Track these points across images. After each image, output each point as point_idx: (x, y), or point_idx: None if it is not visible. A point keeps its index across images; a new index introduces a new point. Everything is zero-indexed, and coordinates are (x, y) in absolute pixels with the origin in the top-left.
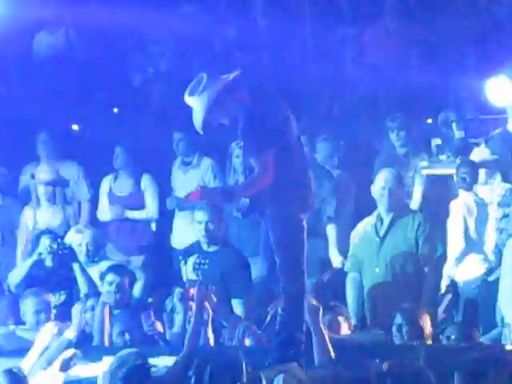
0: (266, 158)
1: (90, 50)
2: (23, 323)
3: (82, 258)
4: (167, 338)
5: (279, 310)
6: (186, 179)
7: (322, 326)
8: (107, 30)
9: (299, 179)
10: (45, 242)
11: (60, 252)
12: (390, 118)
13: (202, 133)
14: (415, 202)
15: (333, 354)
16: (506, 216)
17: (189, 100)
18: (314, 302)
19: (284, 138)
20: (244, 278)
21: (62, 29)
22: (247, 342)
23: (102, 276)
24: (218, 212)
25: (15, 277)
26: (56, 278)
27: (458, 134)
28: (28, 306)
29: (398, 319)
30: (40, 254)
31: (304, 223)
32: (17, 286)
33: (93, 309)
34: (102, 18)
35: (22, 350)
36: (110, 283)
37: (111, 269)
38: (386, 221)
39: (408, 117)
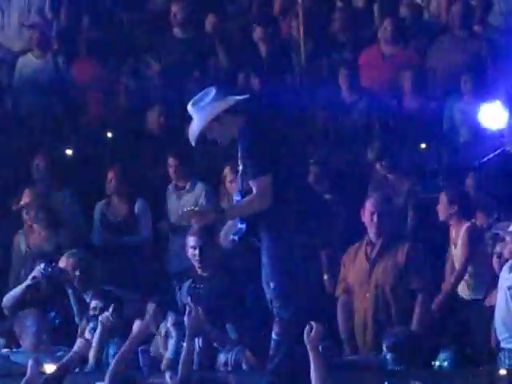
0: (264, 182)
1: (80, 72)
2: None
3: (76, 282)
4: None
5: (273, 335)
6: (180, 204)
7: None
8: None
9: (298, 204)
10: (39, 265)
11: (54, 276)
12: (370, 148)
13: (193, 144)
14: (408, 227)
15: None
16: (502, 240)
17: (191, 109)
18: (315, 326)
19: (283, 162)
20: (238, 302)
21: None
22: (243, 366)
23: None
24: (211, 237)
25: (10, 300)
26: (51, 301)
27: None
28: (28, 327)
29: (386, 343)
30: (34, 277)
31: (303, 248)
32: (11, 310)
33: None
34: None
35: (16, 374)
36: (94, 308)
37: (95, 295)
38: (377, 245)
39: (388, 145)
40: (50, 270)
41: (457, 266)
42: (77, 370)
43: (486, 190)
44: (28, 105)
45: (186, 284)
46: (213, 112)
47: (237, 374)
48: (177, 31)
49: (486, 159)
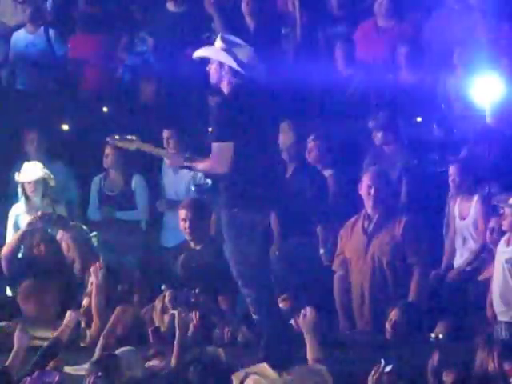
0: (222, 147)
1: (75, 48)
2: None
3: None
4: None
5: (252, 315)
6: (176, 179)
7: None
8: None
9: (260, 184)
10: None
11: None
12: (372, 118)
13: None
14: (403, 200)
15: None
16: (497, 215)
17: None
18: (309, 311)
19: (251, 135)
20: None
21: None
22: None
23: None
24: (200, 210)
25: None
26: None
27: (445, 132)
28: None
29: (394, 315)
30: (30, 223)
31: (261, 227)
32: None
33: None
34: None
35: None
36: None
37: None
38: (374, 219)
39: (391, 116)
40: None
41: (470, 237)
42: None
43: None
44: (22, 79)
45: (180, 258)
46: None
47: (230, 349)
48: (170, 5)
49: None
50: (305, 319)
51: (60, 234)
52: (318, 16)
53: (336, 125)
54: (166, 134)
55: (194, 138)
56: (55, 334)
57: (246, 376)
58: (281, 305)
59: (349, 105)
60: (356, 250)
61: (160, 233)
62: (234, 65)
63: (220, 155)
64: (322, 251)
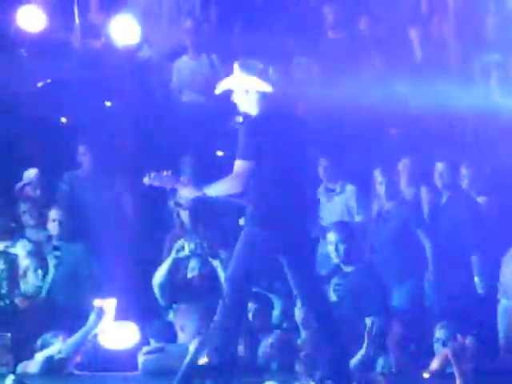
0: (244, 165)
1: None
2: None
3: None
4: None
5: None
6: (330, 206)
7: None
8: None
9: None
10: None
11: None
12: None
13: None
14: None
15: None
16: None
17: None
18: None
19: (274, 157)
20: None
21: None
22: None
23: None
24: (349, 231)
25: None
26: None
27: None
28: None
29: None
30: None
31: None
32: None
33: None
34: None
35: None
36: None
37: None
38: None
39: None
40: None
41: None
42: None
43: None
44: (186, 105)
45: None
46: (257, 85)
47: None
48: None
49: None
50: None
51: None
52: None
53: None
54: (322, 162)
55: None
56: None
57: None
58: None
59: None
60: None
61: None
62: (262, 87)
63: (240, 173)
64: (476, 279)
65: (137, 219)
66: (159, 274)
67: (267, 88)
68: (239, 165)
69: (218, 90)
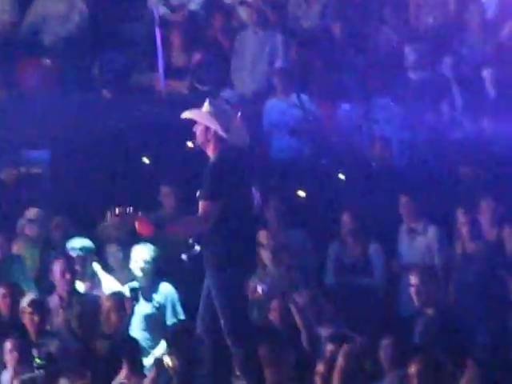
0: (209, 207)
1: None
2: None
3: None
4: None
5: None
6: (412, 246)
7: None
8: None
9: (245, 240)
10: None
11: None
12: None
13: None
14: None
15: None
16: None
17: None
18: None
19: (239, 196)
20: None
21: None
22: None
23: None
24: (429, 274)
25: None
26: None
27: None
28: None
29: None
30: None
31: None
32: None
33: None
34: None
35: None
36: None
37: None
38: None
39: None
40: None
41: None
42: None
43: None
44: (277, 147)
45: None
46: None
47: None
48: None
49: None
50: None
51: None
52: None
53: None
54: (403, 200)
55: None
56: None
57: None
58: None
59: None
60: None
61: (397, 301)
62: (220, 130)
63: (205, 214)
64: None
65: None
66: None
67: (224, 133)
68: (205, 205)
69: (183, 116)
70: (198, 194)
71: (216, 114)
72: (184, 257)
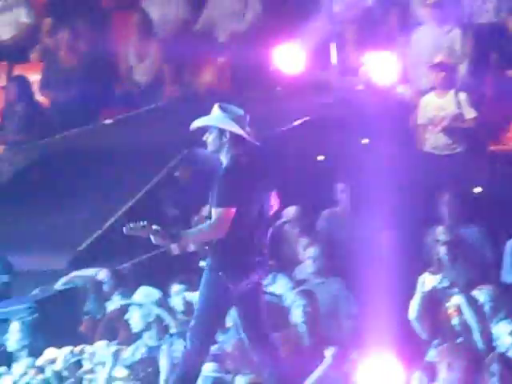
0: (225, 213)
1: None
2: None
3: None
4: None
5: None
6: None
7: None
8: None
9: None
10: None
11: None
12: None
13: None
14: None
15: None
16: None
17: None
18: None
19: (249, 201)
20: None
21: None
22: None
23: None
24: None
25: None
26: None
27: None
28: None
29: None
30: None
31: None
32: None
33: None
34: None
35: None
36: None
37: None
38: None
39: None
40: None
41: None
42: None
43: None
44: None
45: None
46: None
47: None
48: None
49: None
50: None
51: None
52: None
53: None
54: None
55: None
56: None
57: None
58: None
59: None
60: None
61: None
62: (241, 131)
63: (221, 221)
64: None
65: (395, 257)
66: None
67: (241, 133)
68: (221, 212)
69: (194, 126)
70: (209, 200)
71: (230, 116)
72: (202, 264)
